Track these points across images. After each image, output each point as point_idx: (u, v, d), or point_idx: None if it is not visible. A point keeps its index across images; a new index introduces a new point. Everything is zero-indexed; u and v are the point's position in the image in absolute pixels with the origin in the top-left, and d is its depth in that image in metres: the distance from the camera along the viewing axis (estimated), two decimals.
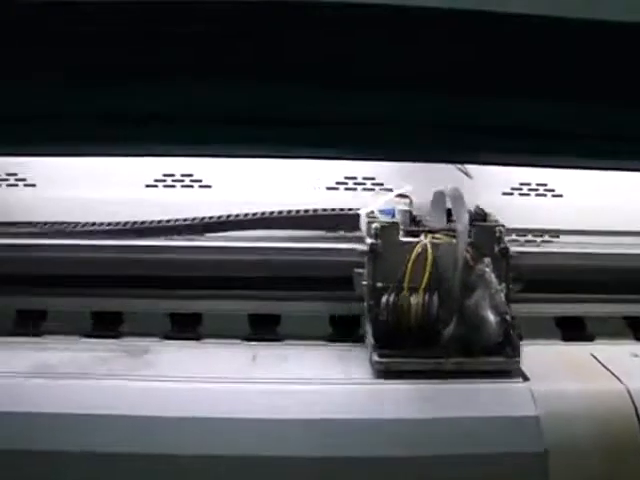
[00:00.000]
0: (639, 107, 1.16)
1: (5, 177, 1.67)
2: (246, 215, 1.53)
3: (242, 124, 1.27)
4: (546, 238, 1.68)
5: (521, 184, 1.69)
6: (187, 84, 1.23)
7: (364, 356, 1.29)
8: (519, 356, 1.24)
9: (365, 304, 1.30)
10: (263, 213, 1.54)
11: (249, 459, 1.10)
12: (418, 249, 1.26)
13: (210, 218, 1.52)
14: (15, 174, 1.66)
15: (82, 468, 1.12)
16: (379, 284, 1.27)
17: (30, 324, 1.44)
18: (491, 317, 1.22)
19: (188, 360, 1.30)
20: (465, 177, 1.66)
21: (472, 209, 1.35)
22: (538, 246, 1.65)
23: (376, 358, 1.23)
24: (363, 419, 1.15)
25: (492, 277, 1.25)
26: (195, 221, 1.51)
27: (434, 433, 1.13)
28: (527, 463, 1.14)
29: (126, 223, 1.52)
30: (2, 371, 1.24)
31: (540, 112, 1.21)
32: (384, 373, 1.22)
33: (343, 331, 1.44)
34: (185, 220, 1.51)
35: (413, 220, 1.37)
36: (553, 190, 1.72)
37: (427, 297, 1.24)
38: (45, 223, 1.55)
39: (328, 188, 1.64)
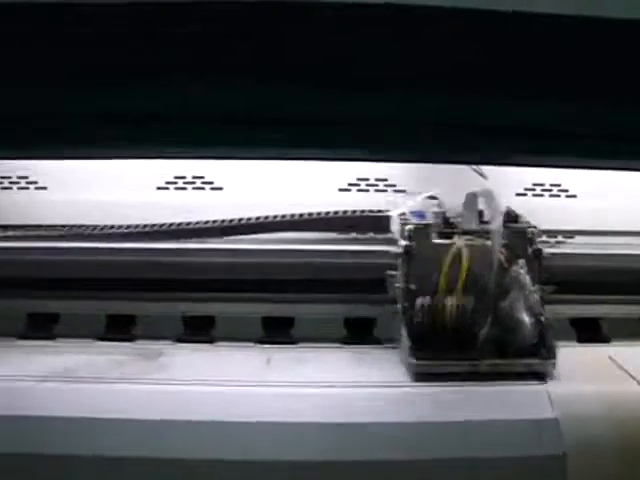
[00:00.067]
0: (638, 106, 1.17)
1: (16, 180, 1.66)
2: (273, 217, 1.51)
3: (246, 125, 1.27)
4: (560, 239, 1.66)
5: (534, 184, 1.68)
6: (190, 85, 1.22)
7: (384, 358, 1.29)
8: (555, 358, 1.24)
9: (399, 306, 1.29)
10: (292, 215, 1.52)
11: (265, 464, 1.09)
12: (453, 251, 1.25)
13: (236, 220, 1.51)
14: (26, 177, 1.66)
15: (96, 473, 1.11)
16: (413, 286, 1.26)
17: (42, 327, 1.43)
18: (526, 318, 1.22)
19: (202, 363, 1.29)
20: (479, 178, 1.65)
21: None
22: (552, 247, 1.64)
23: (412, 360, 1.23)
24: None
25: (527, 278, 1.25)
26: (222, 223, 1.50)
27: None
28: (546, 465, 1.13)
29: (148, 225, 1.50)
30: (16, 374, 1.24)
31: (543, 111, 1.21)
32: (420, 375, 1.22)
33: (358, 333, 1.42)
34: (207, 222, 1.50)
35: (445, 222, 1.36)
36: (567, 190, 1.71)
37: (463, 299, 1.23)
38: (63, 226, 1.54)
39: (340, 189, 1.63)
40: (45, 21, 1.15)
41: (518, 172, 1.69)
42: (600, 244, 1.60)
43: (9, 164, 1.66)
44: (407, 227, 1.30)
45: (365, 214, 1.52)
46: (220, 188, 1.62)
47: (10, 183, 1.66)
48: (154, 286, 1.44)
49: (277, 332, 1.42)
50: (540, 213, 1.59)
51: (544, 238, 1.61)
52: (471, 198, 1.37)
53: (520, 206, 1.59)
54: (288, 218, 1.51)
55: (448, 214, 1.38)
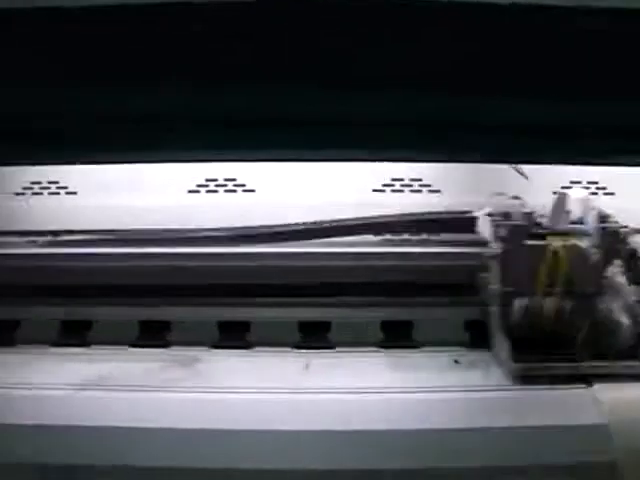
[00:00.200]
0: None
1: (47, 185, 1.65)
2: (353, 220, 1.49)
3: (262, 126, 1.25)
4: None
5: (572, 182, 1.64)
6: (199, 88, 1.21)
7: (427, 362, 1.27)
8: None
9: (494, 308, 1.28)
10: (372, 217, 1.50)
11: (309, 473, 1.06)
12: (551, 252, 1.23)
13: (306, 224, 1.49)
14: (57, 182, 1.65)
15: None
16: (509, 288, 1.25)
17: (76, 334, 1.42)
18: (624, 320, 1.21)
19: (239, 370, 1.27)
20: (513, 177, 1.62)
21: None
22: None
23: (512, 363, 1.21)
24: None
25: (623, 279, 1.24)
26: (299, 227, 1.48)
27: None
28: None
29: (224, 229, 1.49)
30: (52, 383, 1.22)
31: (546, 109, 1.19)
32: (522, 378, 1.20)
33: (396, 337, 1.40)
34: (285, 226, 1.48)
35: (533, 222, 1.33)
36: (604, 188, 1.67)
37: (561, 301, 1.22)
38: (98, 231, 1.52)
39: (374, 190, 1.60)
40: (71, 25, 1.14)
41: (555, 170, 1.66)
42: None
43: (40, 170, 1.65)
44: (501, 229, 1.28)
45: (450, 215, 1.49)
46: (252, 190, 1.59)
47: (41, 188, 1.65)
48: (188, 292, 1.41)
49: (314, 337, 1.39)
50: None
51: None
52: (561, 199, 1.35)
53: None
54: (367, 220, 1.49)
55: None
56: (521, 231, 1.27)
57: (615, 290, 1.23)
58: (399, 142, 1.39)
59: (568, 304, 1.23)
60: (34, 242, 1.59)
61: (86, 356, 1.36)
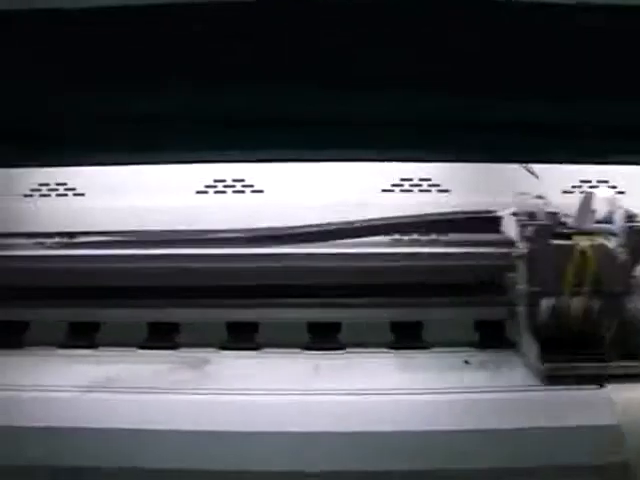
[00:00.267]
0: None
1: (54, 187, 1.64)
2: (377, 220, 1.48)
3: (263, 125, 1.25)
4: None
5: (582, 181, 1.63)
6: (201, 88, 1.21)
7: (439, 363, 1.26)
8: None
9: (521, 308, 1.28)
10: (395, 218, 1.49)
11: (321, 475, 1.05)
12: (578, 252, 1.23)
13: (330, 225, 1.48)
14: (64, 184, 1.64)
15: None
16: (535, 288, 1.24)
17: (84, 336, 1.41)
18: None
19: (249, 371, 1.26)
20: (523, 176, 1.61)
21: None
22: None
23: (540, 363, 1.21)
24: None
25: None
26: (321, 228, 1.47)
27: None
28: None
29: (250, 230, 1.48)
30: (59, 385, 1.21)
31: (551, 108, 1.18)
32: (550, 378, 1.20)
33: (406, 338, 1.39)
34: (307, 227, 1.47)
35: (558, 222, 1.33)
36: (615, 187, 1.65)
37: (589, 300, 1.22)
38: (107, 232, 1.52)
39: (383, 190, 1.59)
40: (74, 27, 1.14)
41: (565, 170, 1.65)
42: None
43: (48, 171, 1.64)
44: (527, 228, 1.28)
45: (474, 215, 1.48)
46: (261, 191, 1.59)
47: (49, 190, 1.64)
48: (196, 293, 1.41)
49: (323, 338, 1.38)
50: None
51: None
52: (587, 199, 1.34)
53: (567, 203, 1.56)
54: (394, 220, 1.48)
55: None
56: (547, 231, 1.27)
57: None
58: (406, 142, 1.38)
59: (596, 304, 1.22)
60: (42, 244, 1.59)
61: (94, 358, 1.36)
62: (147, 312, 1.41)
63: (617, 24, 1.08)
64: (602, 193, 1.33)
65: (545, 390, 1.18)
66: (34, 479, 1.12)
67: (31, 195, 1.64)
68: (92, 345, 1.39)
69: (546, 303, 1.22)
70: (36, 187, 1.64)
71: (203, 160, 1.54)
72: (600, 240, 1.25)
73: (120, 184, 1.62)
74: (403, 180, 1.60)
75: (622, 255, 1.23)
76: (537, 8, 1.07)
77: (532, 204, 1.39)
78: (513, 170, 1.59)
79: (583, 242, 1.24)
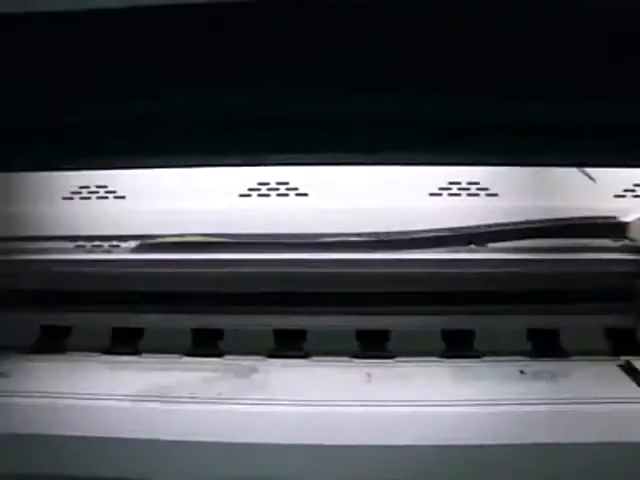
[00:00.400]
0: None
1: (95, 189, 1.62)
2: (495, 226, 1.45)
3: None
4: None
5: (635, 185, 1.59)
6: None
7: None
8: None
9: None
10: (519, 223, 1.46)
11: None
12: None
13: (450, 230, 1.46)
14: (105, 186, 1.62)
15: None
16: None
17: (128, 342, 1.38)
18: None
19: (299, 380, 1.22)
20: (575, 179, 1.57)
21: None
22: None
23: None
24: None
25: None
26: (428, 234, 1.45)
27: None
28: None
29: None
30: (108, 394, 1.19)
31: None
32: None
33: (457, 346, 1.35)
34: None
35: None
36: None
37: None
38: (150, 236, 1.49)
39: (431, 194, 1.55)
40: (107, 28, 1.11)
41: (617, 173, 1.61)
42: None
43: (88, 174, 1.62)
44: None
45: (601, 220, 1.45)
46: (305, 194, 1.55)
47: (89, 193, 1.62)
48: (242, 300, 1.38)
49: (373, 346, 1.34)
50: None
51: None
52: None
53: (617, 209, 1.52)
54: (511, 227, 1.44)
55: None
56: None
57: None
58: (454, 145, 1.35)
59: None
60: (82, 247, 1.57)
61: (138, 364, 1.33)
62: (191, 318, 1.38)
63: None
64: None
65: None
66: None
67: (71, 198, 1.62)
68: (136, 352, 1.35)
69: None
70: (76, 190, 1.62)
71: (247, 163, 1.51)
72: None
73: (161, 187, 1.59)
74: (451, 184, 1.57)
75: None
76: None
77: None
78: (563, 173, 1.55)
79: None
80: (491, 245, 1.42)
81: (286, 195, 1.56)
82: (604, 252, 1.41)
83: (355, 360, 1.31)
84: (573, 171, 1.52)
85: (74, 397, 1.19)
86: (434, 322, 1.37)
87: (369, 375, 1.23)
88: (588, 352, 1.35)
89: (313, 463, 1.05)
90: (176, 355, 1.34)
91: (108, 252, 1.52)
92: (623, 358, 1.32)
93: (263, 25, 1.11)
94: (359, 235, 1.42)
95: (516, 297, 1.39)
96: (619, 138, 1.25)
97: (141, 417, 1.13)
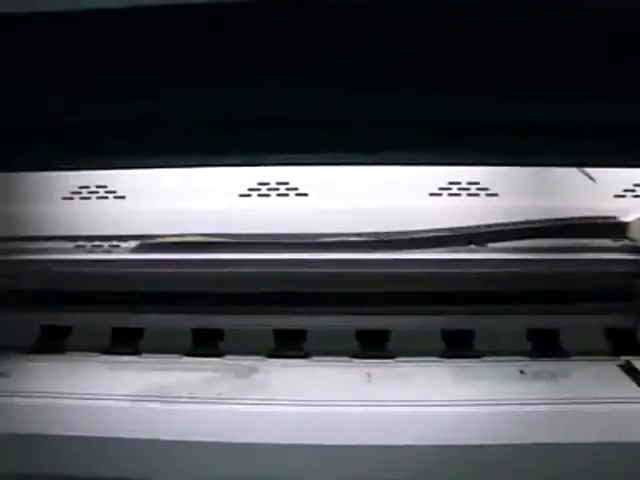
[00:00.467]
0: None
1: (95, 189, 1.62)
2: (497, 226, 1.45)
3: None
4: None
5: (635, 185, 1.59)
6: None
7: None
8: None
9: None
10: (521, 223, 1.46)
11: None
12: None
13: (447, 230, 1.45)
14: (105, 186, 1.61)
15: None
16: None
17: (127, 342, 1.38)
18: None
19: (299, 380, 1.22)
20: (575, 180, 1.57)
21: None
22: None
23: None
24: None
25: None
26: (428, 234, 1.44)
27: None
28: None
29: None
30: (108, 394, 1.19)
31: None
32: None
33: (457, 346, 1.35)
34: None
35: None
36: None
37: None
38: (149, 236, 1.49)
39: (431, 194, 1.55)
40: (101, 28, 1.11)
41: (617, 173, 1.60)
42: None
43: (87, 174, 1.62)
44: None
45: (601, 220, 1.45)
46: (305, 194, 1.55)
47: (89, 193, 1.62)
48: (241, 300, 1.37)
49: (373, 346, 1.34)
50: None
51: None
52: None
53: (617, 209, 1.52)
54: (514, 227, 1.44)
55: None
56: None
57: None
58: (453, 144, 1.35)
59: None
60: (82, 247, 1.57)
61: (138, 364, 1.33)
62: (191, 318, 1.37)
63: None
64: None
65: None
66: None
67: (71, 198, 1.62)
68: (136, 351, 1.35)
69: None
70: (76, 190, 1.62)
71: (247, 163, 1.51)
72: None
73: (161, 187, 1.59)
74: (451, 183, 1.56)
75: None
76: None
77: None
78: (563, 173, 1.55)
79: None
80: (491, 245, 1.42)
81: (286, 195, 1.56)
82: (604, 252, 1.41)
83: (355, 360, 1.30)
84: (573, 171, 1.52)
85: (74, 397, 1.19)
86: (434, 322, 1.36)
87: (369, 375, 1.23)
88: (588, 352, 1.34)
89: (313, 463, 1.05)
90: (176, 355, 1.33)
91: (108, 252, 1.51)
92: (623, 358, 1.32)
93: (263, 25, 1.11)
94: (359, 235, 1.42)
95: (516, 297, 1.38)
96: (619, 138, 1.25)
97: (141, 417, 1.13)
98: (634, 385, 1.22)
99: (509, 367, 1.26)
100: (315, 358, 1.30)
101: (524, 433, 1.08)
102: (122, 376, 1.27)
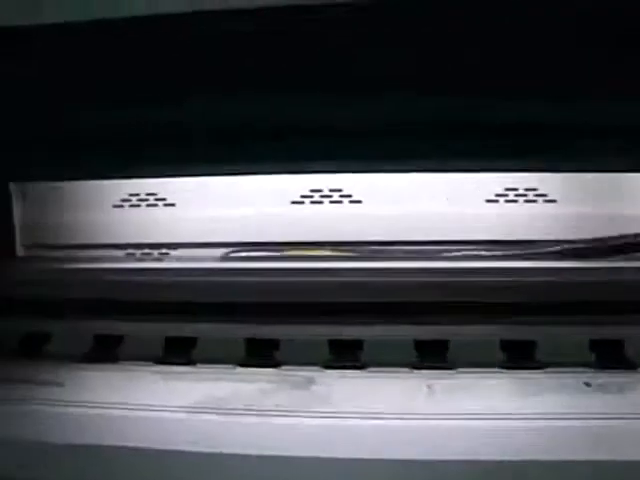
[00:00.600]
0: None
1: (145, 197, 1.62)
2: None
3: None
4: None
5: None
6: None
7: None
8: None
9: None
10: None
11: None
12: None
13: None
14: (155, 194, 1.61)
15: None
16: None
17: (181, 351, 1.36)
18: None
19: (360, 392, 1.19)
20: (635, 186, 1.53)
21: None
22: None
23: None
24: None
25: None
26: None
27: None
28: None
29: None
30: (162, 404, 1.17)
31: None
32: None
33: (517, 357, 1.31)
34: None
35: None
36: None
37: None
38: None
39: (487, 200, 1.52)
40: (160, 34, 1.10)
41: None
42: None
43: (138, 182, 1.62)
44: None
45: None
46: (359, 201, 1.53)
47: (139, 200, 1.62)
48: (297, 309, 1.35)
49: (431, 356, 1.31)
50: None
51: None
52: None
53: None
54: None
55: None
56: None
57: None
58: (511, 150, 1.33)
59: None
60: (133, 255, 1.57)
61: (192, 375, 1.31)
62: (245, 328, 1.35)
63: None
64: None
65: None
66: None
67: (121, 206, 1.62)
68: (189, 362, 1.33)
69: None
70: (126, 197, 1.62)
71: (299, 171, 1.50)
72: None
73: (211, 195, 1.59)
74: (508, 190, 1.54)
75: None
76: None
77: None
78: (626, 179, 1.52)
79: None
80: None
81: (340, 202, 1.54)
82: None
83: (415, 371, 1.27)
84: (637, 177, 1.48)
85: (128, 408, 1.17)
86: (493, 332, 1.33)
87: (430, 387, 1.19)
88: None
89: (380, 477, 1.02)
90: (230, 365, 1.31)
91: (159, 260, 1.51)
92: None
93: (320, 34, 1.10)
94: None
95: (579, 306, 1.34)
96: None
97: (198, 429, 1.10)
98: None
99: (573, 379, 1.22)
100: (372, 369, 1.27)
101: (595, 449, 1.04)
102: (176, 386, 1.25)
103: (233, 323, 1.36)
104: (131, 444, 1.08)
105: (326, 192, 1.55)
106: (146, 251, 1.60)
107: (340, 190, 1.54)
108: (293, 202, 1.55)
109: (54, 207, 1.62)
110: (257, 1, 1.00)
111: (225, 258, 1.47)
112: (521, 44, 1.08)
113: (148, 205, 1.61)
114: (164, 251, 1.60)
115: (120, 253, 1.59)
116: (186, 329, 1.36)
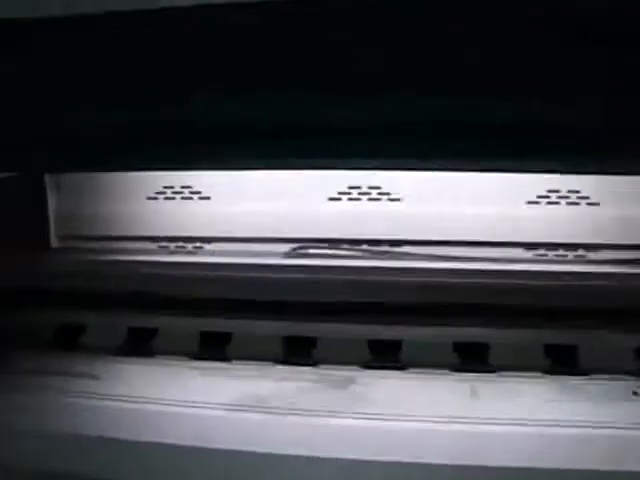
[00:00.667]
0: None
1: (180, 190, 1.60)
2: None
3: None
4: None
5: None
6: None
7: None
8: None
9: None
10: None
11: None
12: None
13: None
14: (190, 187, 1.60)
15: None
16: None
17: (216, 347, 1.34)
18: None
19: (401, 394, 1.17)
20: None
21: None
22: None
23: None
24: None
25: None
26: None
27: None
28: None
29: None
30: (201, 401, 1.15)
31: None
32: None
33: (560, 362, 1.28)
34: None
35: None
36: None
37: None
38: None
39: (529, 202, 1.50)
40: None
41: None
42: None
43: (172, 174, 1.60)
44: None
45: None
46: (398, 199, 1.51)
47: (173, 193, 1.60)
48: (336, 308, 1.33)
49: (470, 359, 1.29)
50: None
51: None
52: None
53: None
54: None
55: None
56: None
57: None
58: (554, 152, 1.30)
59: None
60: (166, 248, 1.55)
61: (229, 371, 1.29)
62: (283, 325, 1.33)
63: None
64: None
65: None
66: None
67: (155, 198, 1.60)
68: (225, 358, 1.31)
69: None
70: (161, 190, 1.60)
71: (337, 167, 1.48)
72: None
73: (247, 189, 1.57)
74: (550, 192, 1.51)
75: None
76: None
77: None
78: None
79: None
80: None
81: (378, 200, 1.52)
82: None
83: (455, 373, 1.24)
84: None
85: (164, 403, 1.16)
86: (535, 336, 1.30)
87: (473, 389, 1.17)
88: None
89: None
90: (267, 363, 1.29)
91: (192, 254, 1.49)
92: None
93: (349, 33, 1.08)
94: None
95: (621, 313, 1.31)
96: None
97: (239, 427, 1.09)
98: None
99: (619, 387, 1.20)
100: (412, 370, 1.25)
101: None
102: (214, 383, 1.23)
103: (270, 320, 1.34)
104: (169, 441, 1.06)
105: (365, 189, 1.53)
106: (180, 244, 1.59)
107: (379, 187, 1.52)
108: (330, 198, 1.53)
109: (88, 199, 1.61)
110: None
111: (288, 254, 1.44)
112: (521, 44, 1.06)
113: (183, 198, 1.60)
114: (198, 245, 1.59)
115: (153, 246, 1.57)
116: (221, 324, 1.34)
